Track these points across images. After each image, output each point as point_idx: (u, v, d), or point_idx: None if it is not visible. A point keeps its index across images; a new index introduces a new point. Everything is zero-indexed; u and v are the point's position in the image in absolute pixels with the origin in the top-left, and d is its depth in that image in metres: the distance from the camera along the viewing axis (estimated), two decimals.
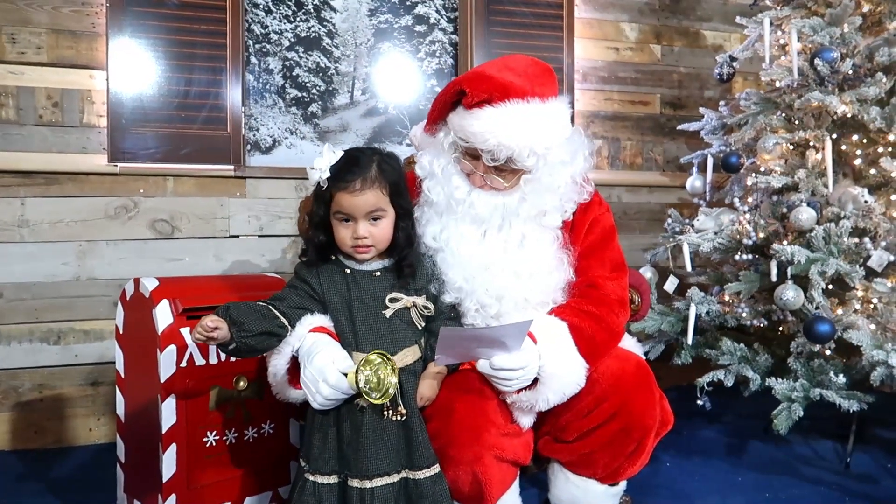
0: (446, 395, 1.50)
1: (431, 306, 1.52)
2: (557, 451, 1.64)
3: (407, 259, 1.50)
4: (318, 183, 1.45)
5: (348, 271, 1.49)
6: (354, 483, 1.41)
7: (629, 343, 1.77)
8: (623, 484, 1.70)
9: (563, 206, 1.58)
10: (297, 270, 1.54)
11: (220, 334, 1.36)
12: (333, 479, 1.43)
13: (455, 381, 1.53)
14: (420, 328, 1.51)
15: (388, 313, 1.47)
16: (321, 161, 1.44)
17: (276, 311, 1.45)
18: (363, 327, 1.46)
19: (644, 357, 1.73)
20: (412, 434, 1.44)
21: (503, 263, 1.53)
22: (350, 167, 1.44)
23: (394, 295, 1.48)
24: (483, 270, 1.53)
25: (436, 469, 1.45)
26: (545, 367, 1.45)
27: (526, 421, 1.55)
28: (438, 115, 1.59)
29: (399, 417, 1.43)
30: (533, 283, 1.54)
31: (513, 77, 1.48)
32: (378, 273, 1.49)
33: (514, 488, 1.58)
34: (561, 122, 1.52)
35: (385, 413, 1.41)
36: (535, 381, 1.48)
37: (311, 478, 1.43)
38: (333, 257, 1.52)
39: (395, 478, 1.42)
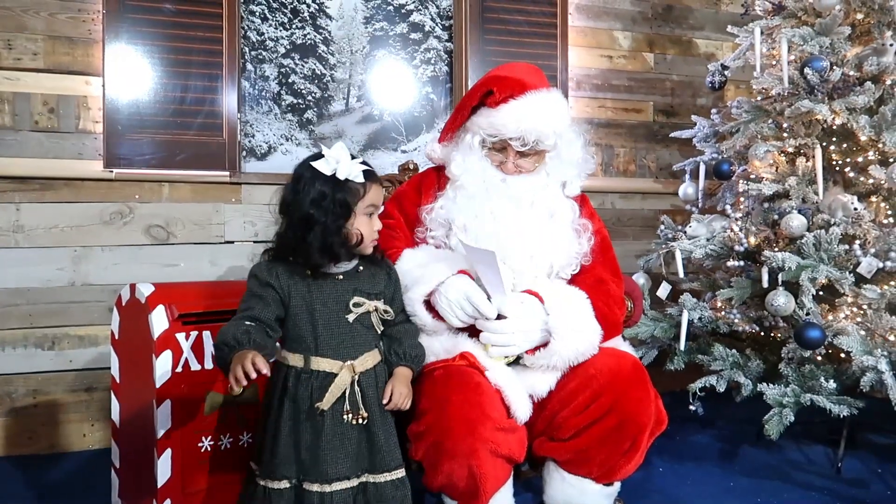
0: (442, 389, 1.53)
1: (391, 310, 1.55)
2: (553, 450, 1.66)
3: (370, 259, 1.54)
4: (347, 178, 1.45)
5: (309, 273, 1.48)
6: (314, 487, 1.41)
7: (623, 347, 1.80)
8: (618, 485, 1.71)
9: (580, 176, 1.81)
10: (255, 273, 1.48)
11: (266, 370, 1.34)
12: (285, 484, 1.43)
13: (451, 374, 1.56)
14: (379, 332, 1.54)
15: (350, 318, 1.48)
16: (346, 153, 1.46)
17: (266, 332, 1.43)
18: (325, 332, 1.46)
19: None
20: (374, 437, 1.46)
21: (534, 231, 1.71)
22: (365, 163, 1.50)
23: (357, 299, 1.49)
24: (517, 237, 1.69)
25: (399, 473, 1.48)
26: (555, 323, 1.58)
27: (522, 414, 1.58)
28: (460, 122, 1.79)
29: (361, 421, 1.45)
30: (558, 248, 1.72)
31: (522, 75, 1.74)
32: (341, 277, 1.50)
33: (508, 487, 1.59)
34: (566, 106, 1.79)
35: (346, 417, 1.43)
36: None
37: (262, 482, 1.43)
38: (291, 258, 1.49)
39: (354, 482, 1.44)
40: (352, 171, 1.45)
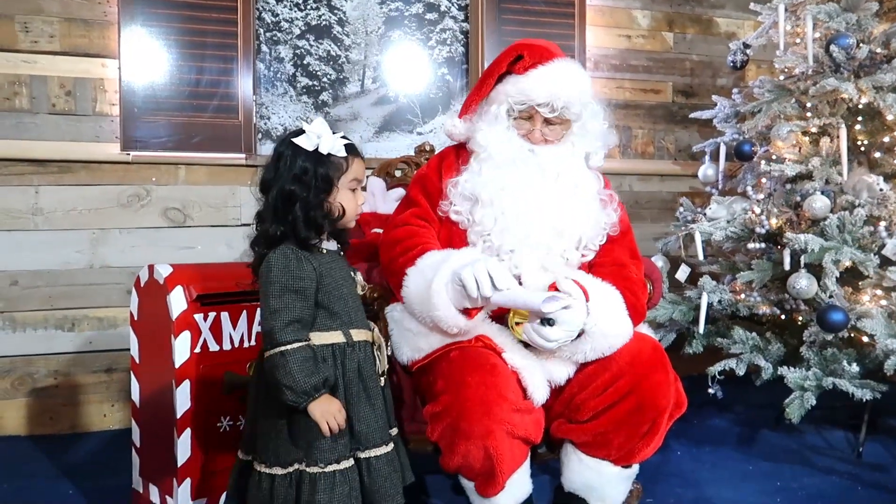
0: (458, 370, 1.53)
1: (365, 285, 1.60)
2: (571, 432, 1.65)
3: (344, 235, 1.54)
4: (329, 153, 1.43)
5: (325, 251, 1.49)
6: (371, 453, 1.43)
7: (642, 330, 1.78)
8: (636, 468, 1.70)
9: (604, 147, 1.81)
10: (284, 266, 1.40)
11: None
12: (351, 462, 1.42)
13: (467, 356, 1.55)
14: None
15: (360, 290, 1.53)
16: (327, 128, 1.45)
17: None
18: (353, 304, 1.49)
19: None
20: (386, 397, 1.52)
21: (561, 204, 1.71)
22: (346, 138, 1.49)
23: (358, 274, 1.54)
24: (546, 208, 1.69)
25: (396, 428, 1.55)
26: (592, 327, 1.56)
27: (539, 395, 1.57)
28: (485, 92, 1.78)
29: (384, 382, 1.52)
30: (586, 219, 1.73)
31: (547, 44, 1.78)
32: (342, 253, 1.54)
33: (525, 468, 1.58)
34: (588, 78, 1.80)
35: (382, 379, 1.49)
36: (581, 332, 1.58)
37: (330, 468, 1.39)
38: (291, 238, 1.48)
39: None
40: (334, 146, 1.45)
